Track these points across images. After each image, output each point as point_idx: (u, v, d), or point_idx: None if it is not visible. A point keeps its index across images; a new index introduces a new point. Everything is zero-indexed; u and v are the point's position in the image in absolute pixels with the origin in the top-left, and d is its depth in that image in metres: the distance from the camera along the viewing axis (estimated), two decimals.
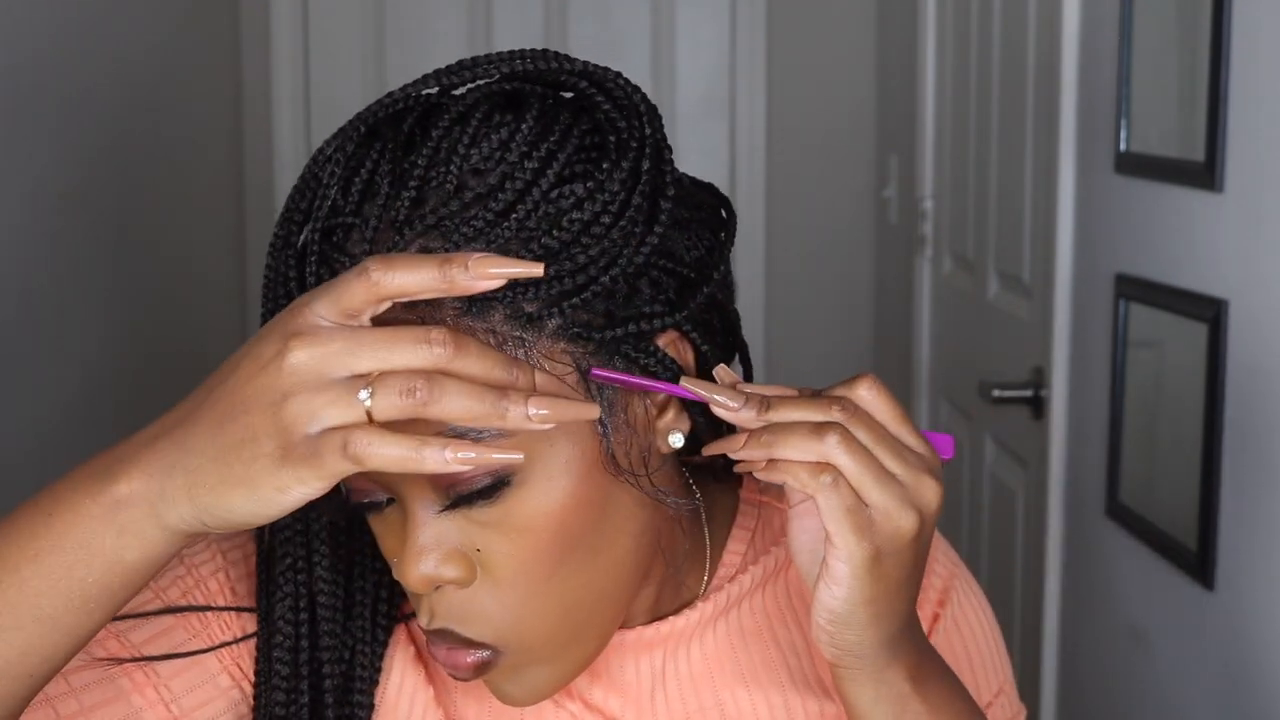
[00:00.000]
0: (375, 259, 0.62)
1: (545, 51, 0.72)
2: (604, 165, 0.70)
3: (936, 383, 2.63)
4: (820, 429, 0.67)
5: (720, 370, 0.72)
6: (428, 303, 0.67)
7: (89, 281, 2.17)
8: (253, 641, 0.80)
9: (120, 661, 0.76)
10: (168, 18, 2.58)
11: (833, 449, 0.67)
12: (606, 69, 0.72)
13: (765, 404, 0.69)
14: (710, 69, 3.26)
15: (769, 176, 3.28)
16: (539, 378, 0.67)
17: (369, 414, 0.60)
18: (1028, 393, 1.97)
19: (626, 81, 0.72)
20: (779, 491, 0.85)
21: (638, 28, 3.23)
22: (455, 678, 0.74)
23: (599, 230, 0.69)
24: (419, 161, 0.69)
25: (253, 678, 0.79)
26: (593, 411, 0.65)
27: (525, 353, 0.68)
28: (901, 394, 2.76)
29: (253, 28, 3.12)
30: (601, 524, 0.72)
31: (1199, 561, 1.44)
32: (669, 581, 0.82)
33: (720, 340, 0.77)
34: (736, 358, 0.80)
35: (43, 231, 2.00)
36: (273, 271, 0.72)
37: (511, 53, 0.73)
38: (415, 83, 0.72)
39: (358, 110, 0.74)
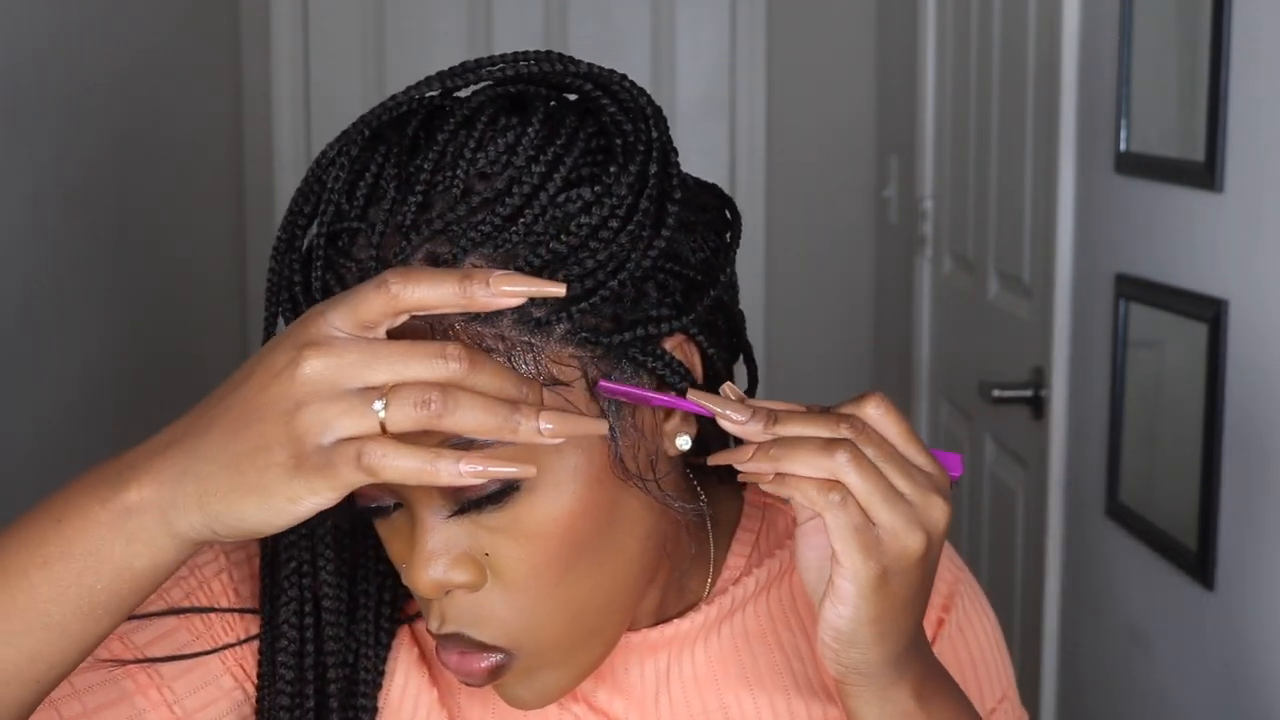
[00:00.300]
0: (394, 272, 0.62)
1: (549, 53, 0.72)
2: (611, 169, 0.70)
3: (936, 383, 2.63)
4: (830, 445, 0.67)
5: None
6: None
7: (89, 281, 2.17)
8: (256, 643, 0.80)
9: (124, 663, 0.76)
10: (168, 18, 2.58)
11: (842, 466, 0.66)
12: (612, 71, 0.72)
13: (773, 418, 0.69)
14: (710, 69, 3.26)
15: (769, 176, 3.28)
16: (548, 395, 0.67)
17: (382, 425, 0.60)
18: (1028, 393, 1.97)
19: (632, 84, 0.72)
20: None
21: (638, 28, 3.23)
22: (468, 684, 0.74)
23: (607, 234, 0.69)
24: (425, 166, 0.69)
25: (256, 679, 0.79)
26: (601, 427, 0.65)
27: (534, 357, 0.68)
28: (901, 394, 2.76)
29: (253, 28, 3.12)
30: (610, 528, 0.72)
31: (1199, 561, 1.44)
32: (673, 584, 0.82)
33: (725, 342, 0.77)
34: (741, 359, 0.81)
35: (43, 232, 2.00)
36: (276, 275, 0.72)
37: (515, 54, 0.72)
38: (418, 85, 0.72)
39: (358, 111, 0.74)
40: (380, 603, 0.81)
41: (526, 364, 0.68)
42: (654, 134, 0.71)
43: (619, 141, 0.71)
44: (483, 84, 0.73)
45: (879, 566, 0.67)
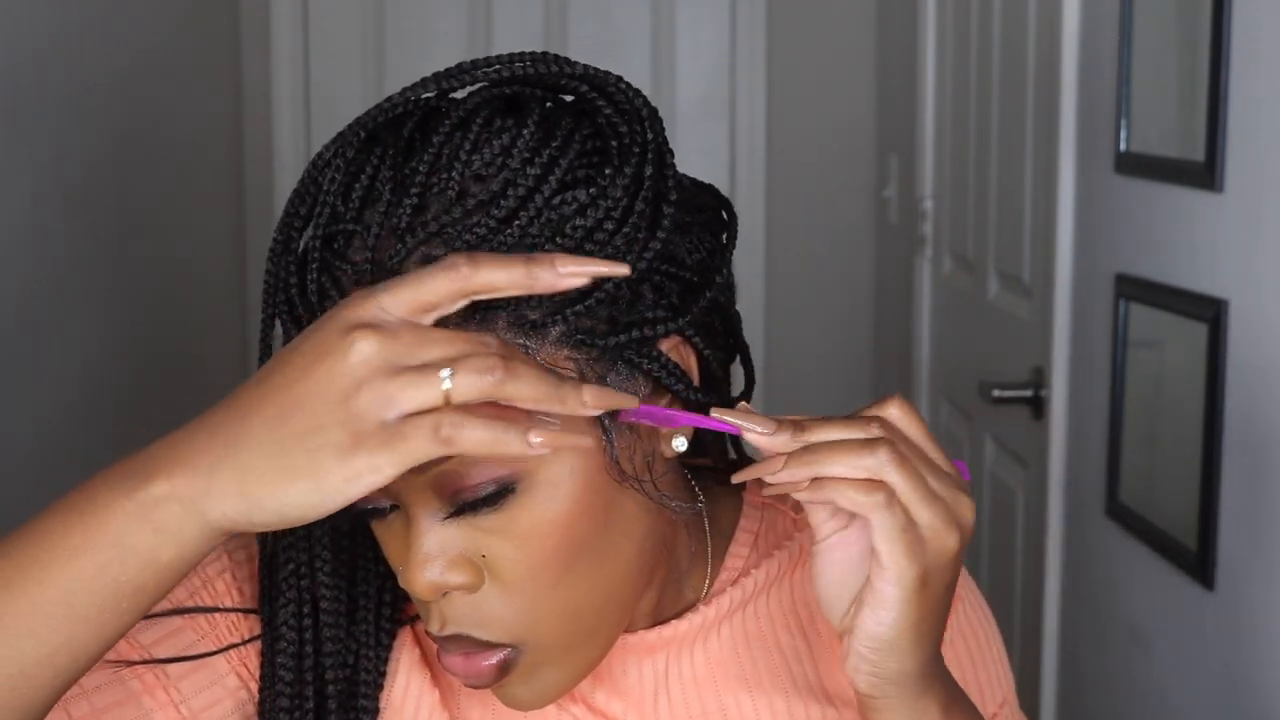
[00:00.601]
0: (462, 255, 0.63)
1: (545, 54, 0.72)
2: (606, 171, 0.70)
3: (936, 383, 2.63)
4: (869, 444, 0.67)
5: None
6: None
7: (89, 281, 2.17)
8: (260, 643, 0.80)
9: (131, 664, 0.76)
10: (168, 18, 2.58)
11: (884, 464, 0.66)
12: (608, 73, 0.72)
13: (800, 427, 0.68)
14: (710, 69, 3.26)
15: (769, 176, 3.28)
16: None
17: (446, 397, 0.61)
18: (1028, 393, 1.97)
19: (628, 85, 0.72)
20: (783, 494, 0.85)
21: (638, 28, 3.23)
22: (473, 686, 0.74)
23: (602, 237, 0.69)
24: (420, 168, 0.69)
25: (259, 680, 0.79)
26: (631, 400, 0.66)
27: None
28: (902, 394, 2.76)
29: (253, 28, 3.12)
30: (606, 529, 0.72)
31: (1199, 561, 1.44)
32: (671, 585, 0.82)
33: (722, 343, 0.77)
34: (737, 359, 0.80)
35: (43, 232, 2.00)
36: (272, 277, 0.72)
37: (511, 56, 0.72)
38: (414, 86, 0.72)
39: (358, 110, 0.74)
40: (380, 604, 0.80)
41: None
42: (649, 136, 0.71)
43: (614, 143, 0.70)
44: (478, 85, 0.73)
45: (922, 568, 0.67)
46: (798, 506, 0.86)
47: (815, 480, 0.67)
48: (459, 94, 0.73)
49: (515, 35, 3.18)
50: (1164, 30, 1.56)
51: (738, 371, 0.80)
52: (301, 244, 0.72)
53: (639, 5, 3.22)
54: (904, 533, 0.67)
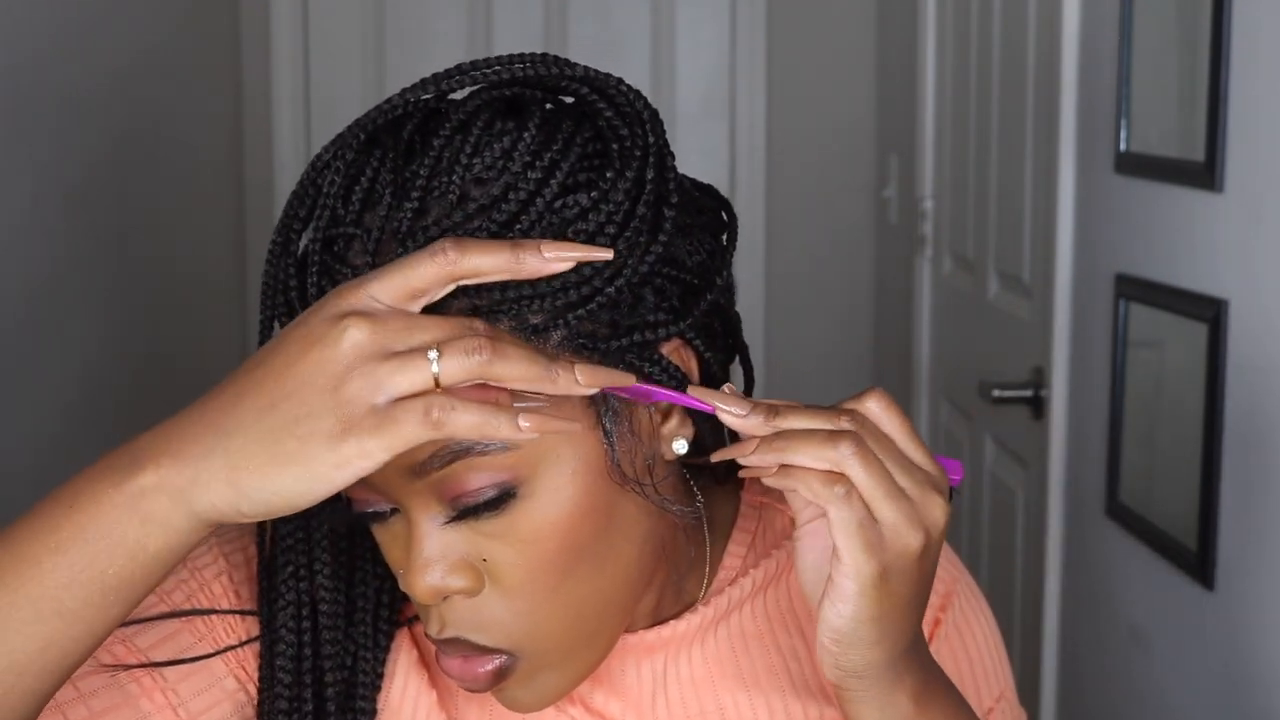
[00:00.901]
0: (449, 240, 0.64)
1: (545, 56, 0.72)
2: (608, 174, 0.69)
3: (936, 383, 2.63)
4: (834, 436, 0.67)
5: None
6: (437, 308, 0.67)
7: (89, 281, 2.17)
8: (258, 645, 0.80)
9: (128, 667, 0.76)
10: (168, 18, 2.58)
11: (846, 457, 0.66)
12: (608, 75, 0.72)
13: (774, 412, 0.69)
14: (710, 69, 3.26)
15: (769, 176, 3.28)
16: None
17: (435, 380, 0.61)
18: (1028, 393, 1.97)
19: (628, 88, 0.72)
20: (781, 494, 0.85)
21: (638, 28, 3.23)
22: (470, 690, 0.74)
23: (604, 241, 0.69)
24: (420, 171, 0.69)
25: (258, 681, 0.79)
26: (628, 379, 0.67)
27: None
28: (901, 394, 2.76)
29: (253, 28, 3.12)
30: (607, 532, 0.72)
31: (1199, 561, 1.44)
32: (670, 586, 0.82)
33: (722, 344, 0.77)
34: (737, 360, 0.80)
35: (43, 232, 2.00)
36: (271, 279, 0.72)
37: (510, 57, 0.72)
38: (413, 87, 0.72)
39: (358, 111, 0.74)
40: (379, 605, 0.80)
41: None
42: (650, 138, 0.71)
43: (615, 146, 0.70)
44: (478, 86, 0.73)
45: (880, 564, 0.67)
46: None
47: (782, 468, 0.67)
48: (458, 95, 0.73)
49: (515, 35, 3.18)
50: (1164, 30, 1.56)
51: (737, 372, 0.80)
52: (300, 246, 0.72)
53: (639, 5, 3.22)
54: (861, 528, 0.66)
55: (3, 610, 0.63)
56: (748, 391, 0.81)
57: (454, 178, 0.69)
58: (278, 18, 3.14)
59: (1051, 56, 1.86)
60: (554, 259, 0.65)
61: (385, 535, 0.73)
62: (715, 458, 0.71)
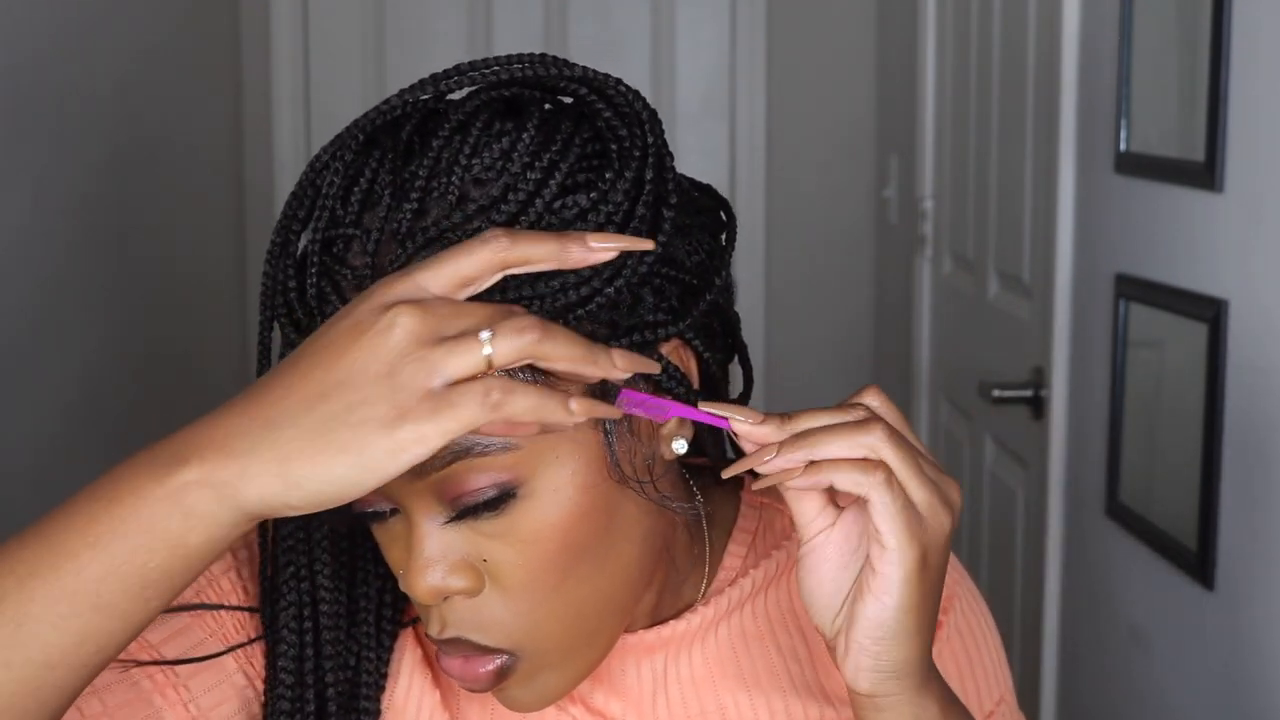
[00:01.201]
0: (499, 230, 0.65)
1: (543, 56, 0.72)
2: (607, 175, 0.69)
3: (936, 383, 2.63)
4: (864, 424, 0.67)
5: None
6: None
7: (89, 282, 2.17)
8: (264, 643, 0.80)
9: (140, 663, 0.76)
10: (168, 18, 2.58)
11: (881, 442, 0.67)
12: (607, 75, 0.72)
13: (786, 417, 0.69)
14: (710, 69, 3.26)
15: (769, 176, 3.28)
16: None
17: (489, 361, 0.62)
18: (1028, 393, 1.97)
19: (627, 88, 0.72)
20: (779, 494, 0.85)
21: (638, 28, 3.23)
22: (471, 690, 0.74)
23: None
24: (420, 172, 0.69)
25: (263, 680, 0.79)
26: (654, 366, 0.68)
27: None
28: (901, 394, 2.76)
29: (253, 28, 3.12)
30: (608, 532, 0.72)
31: (1199, 561, 1.44)
32: (670, 585, 0.82)
33: (721, 344, 0.77)
34: (736, 359, 0.80)
35: (44, 232, 2.00)
36: (270, 280, 0.72)
37: (509, 57, 0.72)
38: (412, 88, 0.71)
39: (358, 111, 0.74)
40: (381, 605, 0.80)
41: (525, 370, 0.67)
42: (649, 139, 0.71)
43: (614, 147, 0.70)
44: (476, 87, 0.73)
45: (922, 547, 0.67)
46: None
47: (811, 465, 0.67)
48: (456, 95, 0.73)
49: (515, 35, 3.18)
50: (1164, 30, 1.56)
51: (736, 372, 0.80)
52: (300, 247, 0.72)
53: (639, 5, 3.22)
54: (904, 511, 0.67)
55: (37, 604, 0.62)
56: (746, 390, 0.81)
57: (453, 178, 0.69)
58: (278, 18, 3.14)
59: (1051, 56, 1.86)
60: (599, 248, 0.66)
61: (385, 535, 0.73)
62: (727, 473, 0.71)
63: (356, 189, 0.70)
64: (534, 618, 0.72)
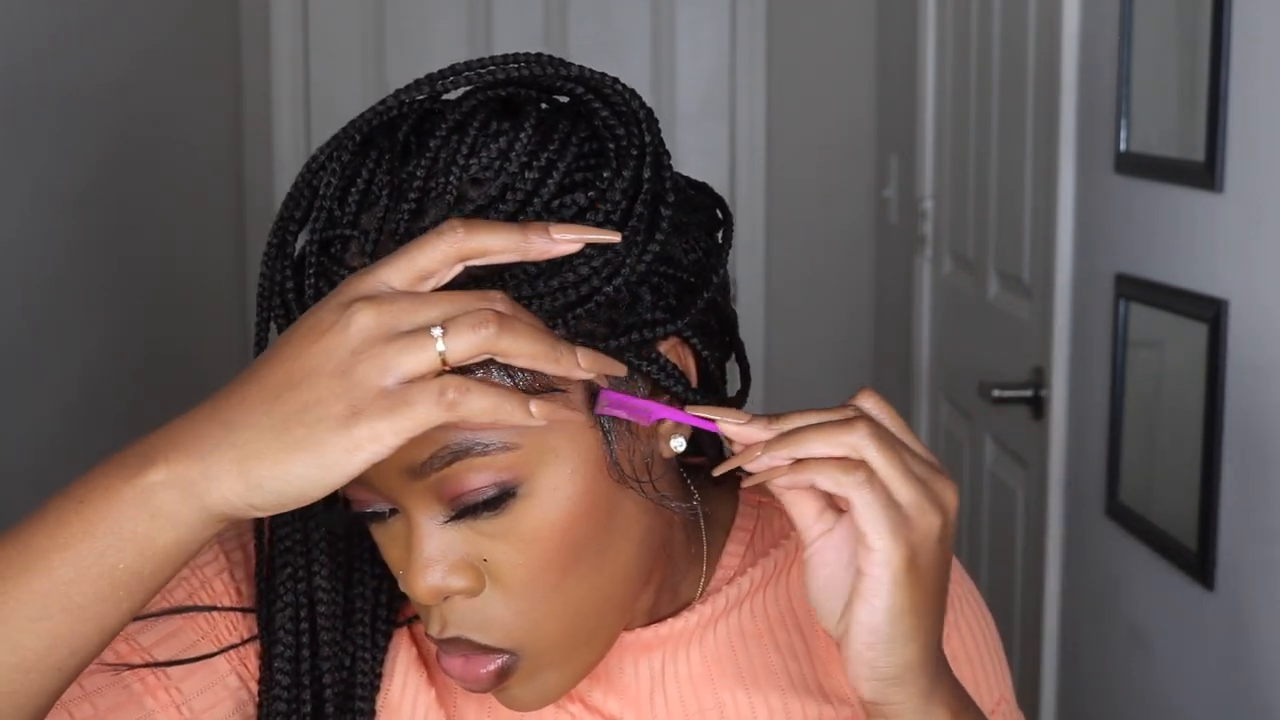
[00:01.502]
0: (457, 220, 0.64)
1: (540, 56, 0.72)
2: (605, 174, 0.69)
3: (936, 383, 2.63)
4: (846, 423, 0.67)
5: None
6: None
7: (89, 281, 2.17)
8: (258, 643, 0.79)
9: (132, 666, 0.76)
10: (168, 18, 2.58)
11: (863, 440, 0.67)
12: (603, 75, 0.72)
13: (775, 416, 0.69)
14: (710, 69, 3.26)
15: (769, 176, 3.28)
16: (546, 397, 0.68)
17: (442, 358, 0.61)
18: (1028, 393, 1.97)
19: (624, 87, 0.72)
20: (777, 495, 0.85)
21: (638, 28, 3.23)
22: (471, 690, 0.74)
23: None
24: (417, 172, 0.69)
25: (258, 680, 0.79)
26: (620, 369, 0.67)
27: None
28: (901, 394, 2.76)
29: (253, 28, 3.12)
30: (607, 531, 0.72)
31: (1199, 561, 1.44)
32: (668, 584, 0.82)
33: (719, 342, 0.77)
34: (733, 357, 0.80)
35: (43, 232, 2.00)
36: (267, 280, 0.72)
37: (505, 57, 0.72)
38: (408, 88, 0.71)
39: (357, 111, 0.74)
40: (376, 605, 0.80)
41: (522, 370, 0.67)
42: (647, 138, 0.71)
43: (612, 146, 0.70)
44: (472, 87, 0.73)
45: (909, 548, 0.67)
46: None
47: (796, 463, 0.67)
48: (452, 95, 0.73)
49: (515, 35, 3.18)
50: (1164, 30, 1.56)
51: (733, 370, 0.80)
52: (297, 247, 0.72)
53: (639, 5, 3.22)
54: (886, 510, 0.66)
55: (9, 606, 0.63)
56: (744, 389, 0.81)
57: (451, 179, 0.69)
58: (278, 18, 3.14)
59: (1051, 56, 1.86)
60: (561, 240, 0.66)
61: (384, 536, 0.73)
62: (717, 471, 0.71)
63: (354, 190, 0.70)
64: (534, 617, 0.72)
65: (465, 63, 0.72)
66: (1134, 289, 1.61)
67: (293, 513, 0.76)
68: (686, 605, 0.84)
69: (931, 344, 2.64)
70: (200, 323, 2.77)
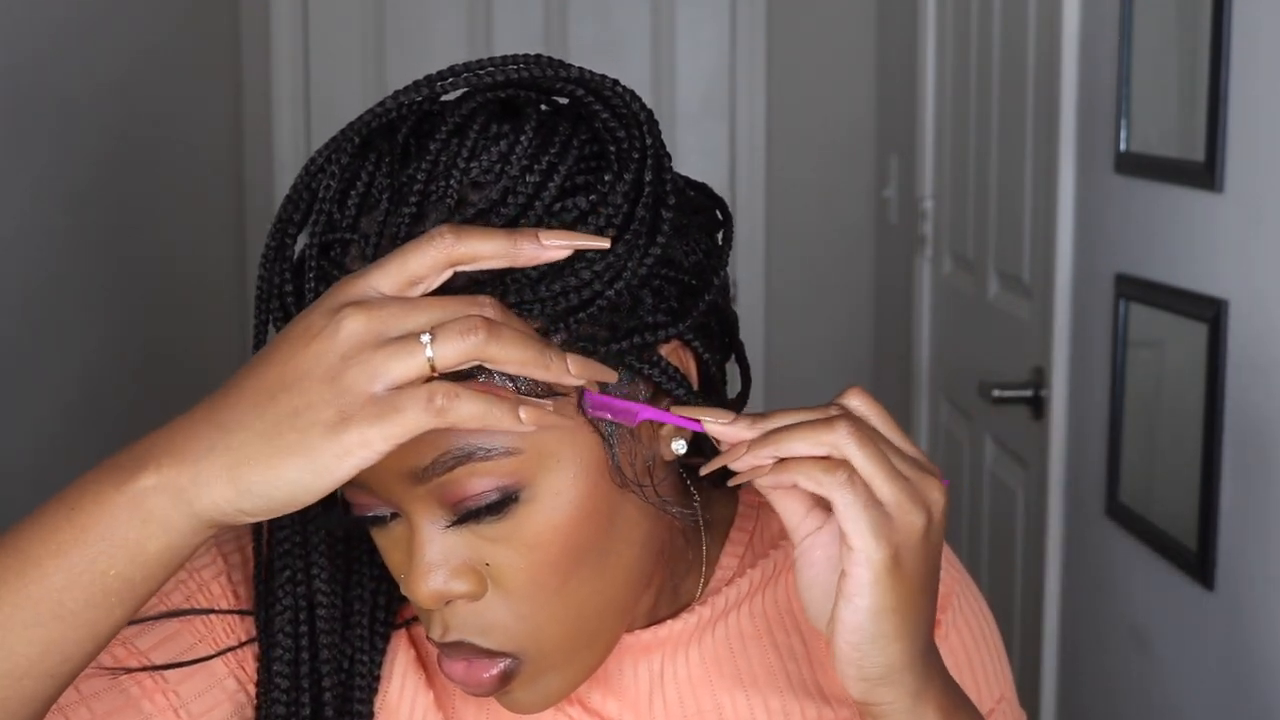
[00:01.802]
0: (446, 226, 0.64)
1: (539, 57, 0.71)
2: (606, 177, 0.69)
3: (936, 383, 2.63)
4: (828, 421, 0.67)
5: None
6: None
7: (89, 281, 2.17)
8: (257, 646, 0.79)
9: (130, 670, 0.76)
10: (168, 18, 2.58)
11: (843, 438, 0.66)
12: (603, 76, 0.72)
13: (759, 416, 0.69)
14: (710, 69, 3.26)
15: (769, 176, 3.28)
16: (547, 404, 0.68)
17: (431, 365, 0.61)
18: (1028, 393, 1.97)
19: (624, 89, 0.71)
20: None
21: (638, 28, 3.23)
22: (474, 694, 0.74)
23: None
24: (418, 175, 0.69)
25: (256, 683, 0.79)
26: (611, 375, 0.67)
27: None
28: (901, 394, 2.76)
29: (253, 28, 3.12)
30: (609, 534, 0.72)
31: (1199, 561, 1.44)
32: (667, 586, 0.82)
33: (719, 344, 0.77)
34: (733, 358, 0.80)
35: (43, 232, 2.00)
36: (265, 283, 0.71)
37: (504, 58, 0.71)
38: (406, 90, 0.71)
39: (358, 111, 0.73)
40: (375, 607, 0.80)
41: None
42: (647, 140, 0.70)
43: (613, 148, 0.70)
44: (471, 88, 0.72)
45: (891, 547, 0.66)
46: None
47: (779, 463, 0.67)
48: (451, 96, 0.72)
49: (515, 36, 3.18)
50: (1164, 30, 1.56)
51: (733, 370, 0.80)
52: (296, 250, 0.71)
53: (639, 5, 3.22)
54: (867, 510, 0.66)
55: (3, 612, 0.63)
56: (744, 390, 0.81)
57: (451, 182, 0.68)
58: (278, 18, 3.14)
59: (1051, 56, 1.86)
60: (551, 245, 0.65)
61: (385, 540, 0.73)
62: (704, 470, 0.71)
63: (353, 193, 0.70)
64: (536, 620, 0.72)
65: (464, 64, 0.72)
66: (1134, 289, 1.61)
67: (292, 516, 0.76)
68: (686, 607, 0.84)
69: (931, 344, 2.64)
70: (200, 323, 2.77)
